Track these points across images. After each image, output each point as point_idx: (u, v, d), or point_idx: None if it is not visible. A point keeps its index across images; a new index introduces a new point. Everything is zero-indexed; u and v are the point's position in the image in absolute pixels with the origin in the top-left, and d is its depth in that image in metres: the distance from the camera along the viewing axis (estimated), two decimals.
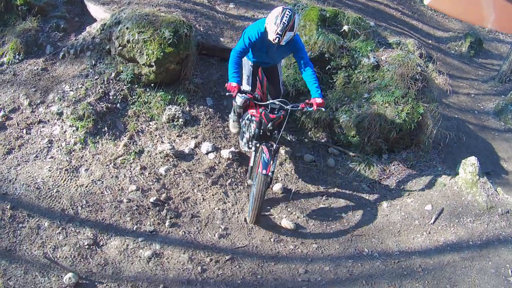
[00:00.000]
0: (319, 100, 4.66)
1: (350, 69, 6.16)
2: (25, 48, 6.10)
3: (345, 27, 6.35)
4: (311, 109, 4.68)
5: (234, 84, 4.52)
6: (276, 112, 4.72)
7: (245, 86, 5.11)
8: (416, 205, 5.20)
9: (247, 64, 5.16)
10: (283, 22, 4.32)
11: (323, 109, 4.87)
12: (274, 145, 4.74)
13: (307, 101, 4.72)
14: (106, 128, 5.32)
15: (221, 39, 6.43)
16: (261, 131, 4.79)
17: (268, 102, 4.78)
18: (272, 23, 4.36)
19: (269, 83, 5.33)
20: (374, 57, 6.17)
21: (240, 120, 5.41)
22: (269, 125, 4.72)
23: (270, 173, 4.60)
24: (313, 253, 4.51)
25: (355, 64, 6.17)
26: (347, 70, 6.16)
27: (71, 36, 6.32)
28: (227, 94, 4.59)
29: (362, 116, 5.73)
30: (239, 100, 5.07)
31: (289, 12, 4.35)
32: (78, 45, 6.04)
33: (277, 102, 4.71)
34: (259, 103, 4.79)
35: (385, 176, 5.63)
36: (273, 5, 7.18)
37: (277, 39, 4.37)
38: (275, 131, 4.93)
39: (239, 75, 4.63)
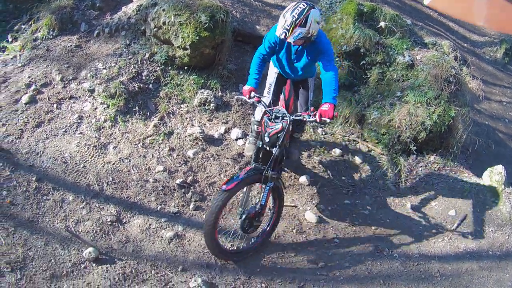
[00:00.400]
0: (326, 106, 3.82)
1: (384, 66, 6.10)
2: (59, 25, 6.13)
3: (382, 23, 6.27)
4: (312, 119, 3.87)
5: (246, 87, 4.12)
6: (276, 121, 3.96)
7: (265, 95, 4.55)
8: (440, 209, 5.13)
9: (272, 71, 4.66)
10: (293, 15, 3.73)
11: (328, 120, 3.85)
12: (269, 172, 3.95)
13: (312, 109, 4.02)
14: (137, 108, 5.34)
15: (257, 27, 6.39)
16: (261, 143, 4.01)
17: (272, 108, 4.10)
18: (282, 17, 3.80)
19: (296, 99, 4.68)
20: (409, 56, 6.08)
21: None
22: (265, 134, 3.95)
23: (258, 206, 4.00)
24: (334, 248, 4.47)
25: (389, 61, 6.10)
26: (382, 67, 6.10)
27: (106, 15, 6.33)
28: (236, 98, 4.24)
29: (393, 114, 5.66)
30: (257, 113, 4.63)
31: (304, 6, 3.77)
32: (113, 24, 6.06)
33: (282, 109, 4.02)
34: (267, 109, 4.11)
35: (411, 177, 5.55)
36: None
37: (284, 34, 3.77)
38: (273, 148, 3.98)
39: (256, 78, 4.17)
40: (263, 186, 4.00)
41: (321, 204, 4.95)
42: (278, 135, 3.91)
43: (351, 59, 5.98)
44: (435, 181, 5.55)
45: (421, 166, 5.68)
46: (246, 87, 4.13)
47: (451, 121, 5.70)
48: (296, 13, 3.72)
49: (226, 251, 4.05)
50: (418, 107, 5.63)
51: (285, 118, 3.95)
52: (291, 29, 3.74)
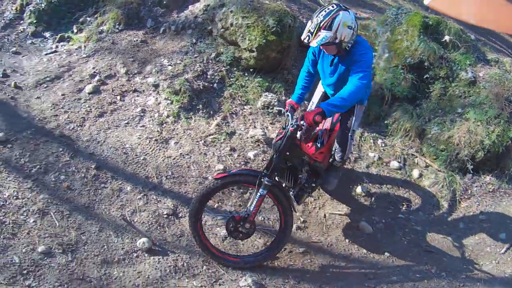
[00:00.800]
0: (311, 109, 3.49)
1: (447, 81, 5.98)
2: (125, 20, 6.32)
3: (447, 37, 6.14)
4: (295, 123, 3.58)
5: (288, 100, 4.02)
6: (284, 128, 3.74)
7: None
8: (491, 232, 4.98)
9: (319, 88, 4.40)
10: (318, 17, 3.43)
11: (303, 123, 3.49)
12: (265, 180, 3.67)
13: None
14: (200, 106, 5.42)
15: None
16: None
17: (288, 111, 3.90)
18: (310, 20, 3.54)
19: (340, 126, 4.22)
20: (472, 72, 5.94)
21: None
22: (274, 141, 3.82)
23: (246, 211, 3.81)
24: (384, 261, 4.45)
25: (452, 76, 5.97)
26: (444, 82, 5.97)
27: (173, 13, 6.47)
28: (279, 108, 4.15)
29: (453, 131, 5.57)
30: None
31: (333, 7, 3.45)
32: (180, 22, 6.20)
33: (294, 118, 3.73)
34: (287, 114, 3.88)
35: (465, 197, 5.42)
36: (375, 6, 7.12)
37: (307, 38, 3.48)
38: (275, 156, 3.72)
39: (299, 94, 4.07)
40: (256, 191, 3.77)
41: (375, 216, 4.92)
42: (281, 142, 3.67)
43: (415, 72, 5.89)
44: (489, 202, 5.40)
45: (476, 186, 5.55)
46: (288, 100, 4.08)
47: (510, 142, 5.55)
48: (322, 15, 3.44)
49: (209, 247, 3.95)
50: (478, 125, 5.51)
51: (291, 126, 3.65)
52: (315, 32, 3.44)
